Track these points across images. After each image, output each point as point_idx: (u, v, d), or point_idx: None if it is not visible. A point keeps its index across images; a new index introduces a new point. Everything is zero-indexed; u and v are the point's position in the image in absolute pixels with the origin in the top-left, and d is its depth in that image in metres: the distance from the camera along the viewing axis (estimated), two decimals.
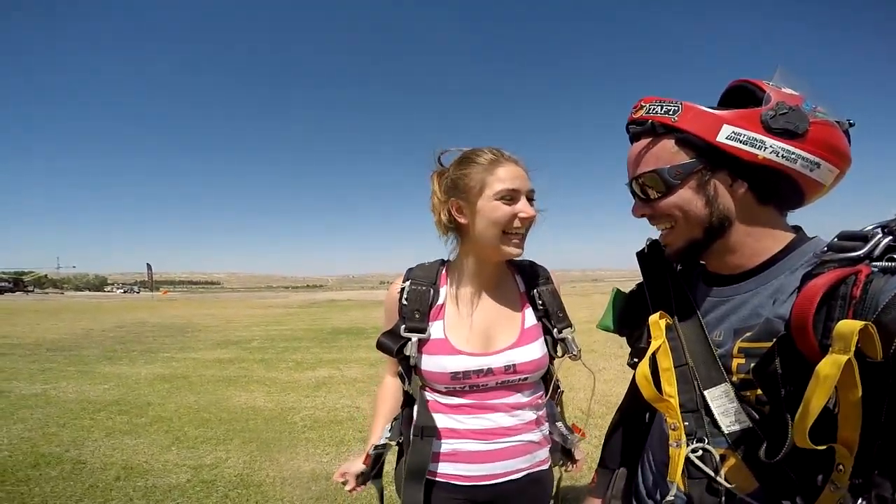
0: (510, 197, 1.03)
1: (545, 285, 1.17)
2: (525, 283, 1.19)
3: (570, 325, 1.14)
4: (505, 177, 1.04)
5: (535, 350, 1.09)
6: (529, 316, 1.14)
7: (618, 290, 0.97)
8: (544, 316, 1.14)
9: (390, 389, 1.27)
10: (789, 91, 0.68)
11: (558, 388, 1.19)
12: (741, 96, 0.71)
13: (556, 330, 1.12)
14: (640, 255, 0.91)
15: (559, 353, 1.14)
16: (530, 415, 1.11)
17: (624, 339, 0.94)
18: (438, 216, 1.13)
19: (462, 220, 1.09)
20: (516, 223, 1.04)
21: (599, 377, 5.44)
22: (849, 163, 0.69)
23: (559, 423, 1.20)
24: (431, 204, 1.15)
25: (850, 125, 0.69)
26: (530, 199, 1.07)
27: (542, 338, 1.12)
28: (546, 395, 1.16)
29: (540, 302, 1.14)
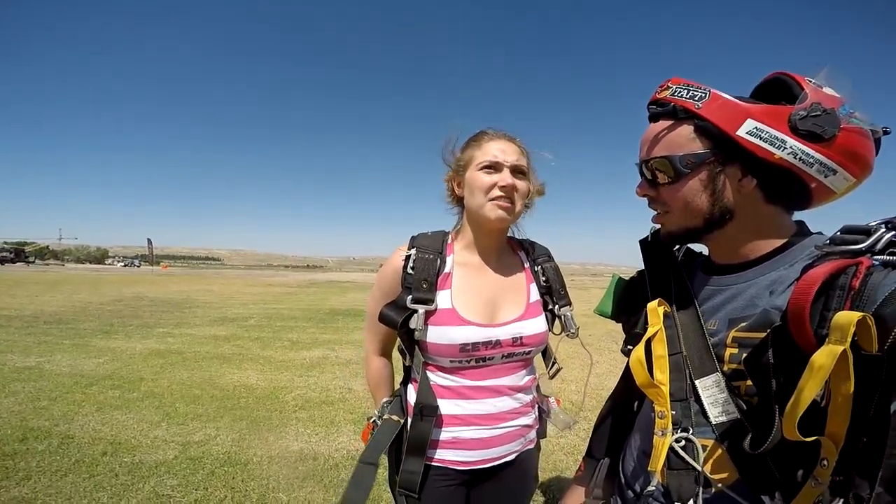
0: (492, 167, 1.07)
1: (548, 262, 1.20)
2: (528, 259, 1.21)
3: (569, 304, 1.17)
4: (490, 150, 1.08)
5: (541, 323, 1.11)
6: (534, 290, 1.15)
7: (618, 276, 0.97)
8: (546, 292, 1.16)
9: (383, 373, 1.24)
10: (829, 92, 0.66)
11: (555, 363, 1.21)
12: (778, 89, 0.69)
13: (556, 306, 1.14)
14: (642, 242, 0.92)
15: (557, 330, 1.15)
16: (528, 397, 1.13)
17: (618, 335, 0.93)
18: (447, 191, 1.20)
19: (458, 192, 1.15)
20: (496, 191, 1.06)
21: (592, 370, 5.46)
22: (868, 173, 0.67)
23: (550, 398, 1.23)
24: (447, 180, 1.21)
25: (885, 133, 0.68)
26: (521, 173, 1.09)
27: (544, 313, 1.14)
28: (548, 371, 1.19)
29: (543, 278, 1.16)
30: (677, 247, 0.91)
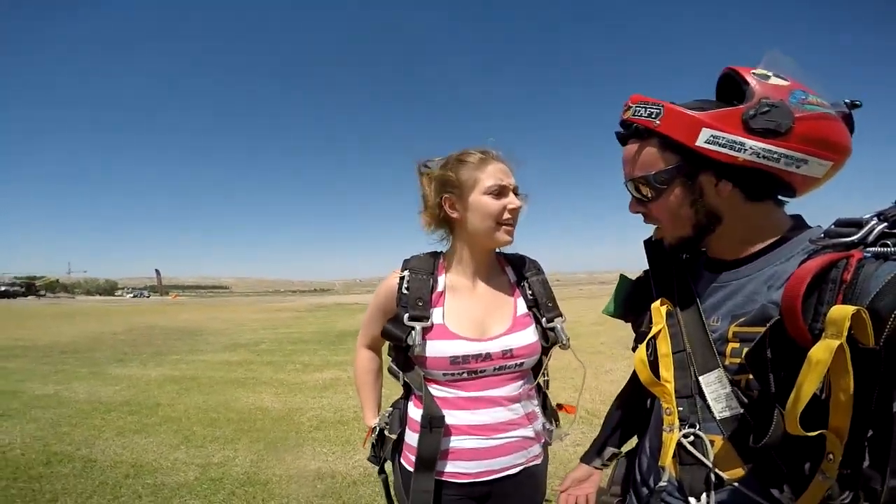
0: (499, 191, 1.10)
1: (535, 276, 1.22)
2: (515, 274, 1.23)
3: (559, 315, 1.17)
4: (494, 173, 1.11)
5: (529, 335, 1.13)
6: (521, 305, 1.18)
7: (623, 276, 0.99)
8: (534, 305, 1.18)
9: (370, 364, 1.32)
10: (776, 81, 0.66)
11: (544, 376, 1.22)
12: (732, 85, 0.70)
13: (545, 319, 1.15)
14: (647, 242, 0.92)
15: (548, 343, 1.16)
16: (524, 409, 1.13)
17: (630, 342, 0.94)
18: (430, 213, 1.18)
19: (454, 215, 1.14)
20: (506, 215, 1.10)
21: (606, 378, 5.42)
22: (845, 153, 0.67)
23: (539, 421, 1.20)
24: (423, 201, 1.21)
25: (855, 106, 0.67)
26: (516, 193, 1.14)
27: (534, 325, 1.15)
28: (535, 383, 1.19)
29: (530, 292, 1.19)
30: None
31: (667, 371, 0.76)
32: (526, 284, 1.20)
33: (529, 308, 1.17)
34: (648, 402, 0.96)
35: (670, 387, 0.75)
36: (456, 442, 1.08)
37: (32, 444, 3.62)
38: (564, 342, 1.14)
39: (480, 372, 1.09)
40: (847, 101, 0.67)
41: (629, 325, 0.97)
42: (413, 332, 1.07)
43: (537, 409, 1.19)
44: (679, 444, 0.72)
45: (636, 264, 1.01)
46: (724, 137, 0.65)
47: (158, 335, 12.07)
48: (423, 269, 1.15)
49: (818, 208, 0.78)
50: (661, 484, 0.75)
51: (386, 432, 1.18)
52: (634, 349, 0.87)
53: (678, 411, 0.74)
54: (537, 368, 1.19)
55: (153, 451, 3.49)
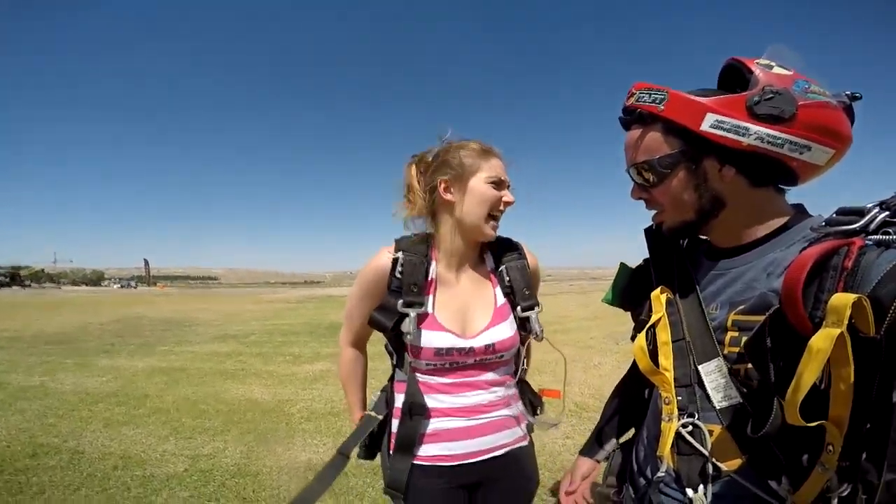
0: (498, 183, 1.11)
1: (515, 261, 1.17)
2: (494, 260, 1.20)
3: (535, 305, 1.14)
4: (496, 165, 1.13)
5: (508, 328, 1.12)
6: (499, 294, 1.16)
7: (623, 264, 0.98)
8: (510, 293, 1.15)
9: (354, 365, 1.27)
10: (779, 71, 0.67)
11: (522, 365, 1.21)
12: (735, 74, 0.71)
13: (518, 308, 1.13)
14: (647, 231, 0.92)
15: (525, 331, 1.15)
16: (506, 391, 1.15)
17: (620, 336, 0.94)
18: (417, 198, 1.16)
19: (448, 197, 1.11)
20: (500, 206, 1.12)
21: (595, 372, 5.50)
22: (846, 142, 0.68)
23: (519, 403, 1.21)
24: (408, 188, 1.18)
25: (855, 98, 0.68)
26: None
27: (512, 315, 1.14)
28: (515, 375, 1.19)
29: (507, 279, 1.15)
30: None
31: (666, 359, 0.76)
32: (504, 270, 1.16)
33: (506, 296, 1.15)
34: (646, 392, 0.95)
35: (669, 375, 0.75)
36: (441, 423, 1.09)
37: (18, 435, 3.58)
38: (538, 333, 1.13)
39: (461, 363, 1.10)
40: (848, 92, 0.68)
41: (619, 320, 0.97)
42: (407, 318, 1.05)
43: (517, 394, 1.20)
44: (677, 434, 0.72)
45: (628, 261, 1.01)
46: (728, 122, 0.66)
47: (146, 326, 11.95)
48: (418, 252, 1.11)
49: (819, 199, 0.76)
50: (659, 474, 0.75)
51: (372, 413, 1.17)
52: (633, 338, 0.85)
53: (677, 400, 0.74)
54: (518, 356, 1.19)
55: (141, 442, 3.48)
